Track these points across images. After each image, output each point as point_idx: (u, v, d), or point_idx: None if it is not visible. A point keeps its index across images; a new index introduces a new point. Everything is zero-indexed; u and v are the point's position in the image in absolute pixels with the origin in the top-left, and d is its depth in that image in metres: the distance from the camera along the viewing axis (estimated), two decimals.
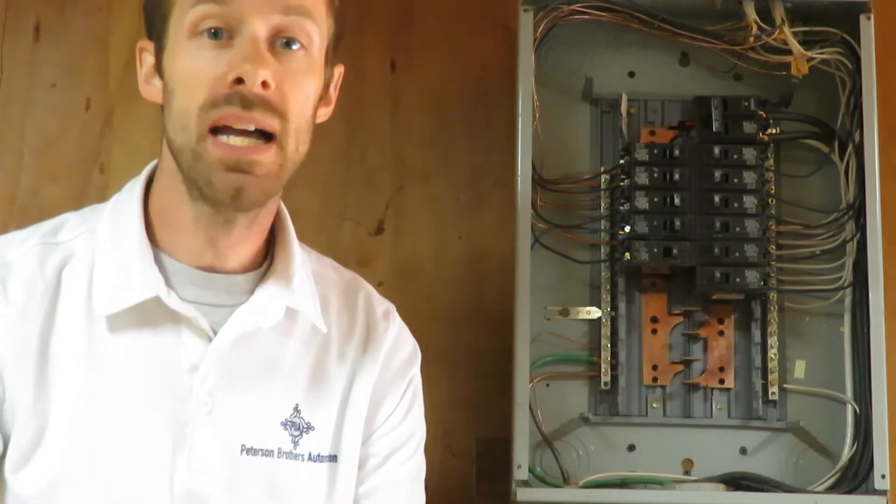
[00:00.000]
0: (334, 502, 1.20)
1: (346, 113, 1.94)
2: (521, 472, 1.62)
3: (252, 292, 1.16)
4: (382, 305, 1.29)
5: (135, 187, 1.18)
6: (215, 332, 1.13)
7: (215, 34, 1.07)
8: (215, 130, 1.07)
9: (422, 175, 1.99)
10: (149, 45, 1.15)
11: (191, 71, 1.07)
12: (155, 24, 1.13)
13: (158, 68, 1.13)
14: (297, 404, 1.18)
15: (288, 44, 1.09)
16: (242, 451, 1.14)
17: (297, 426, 1.17)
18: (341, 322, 1.24)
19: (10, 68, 1.99)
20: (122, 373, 1.11)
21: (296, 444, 1.17)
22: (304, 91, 1.10)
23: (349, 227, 1.97)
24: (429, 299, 1.94)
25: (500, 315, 1.82)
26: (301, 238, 1.25)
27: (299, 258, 1.21)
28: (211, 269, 1.15)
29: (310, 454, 1.18)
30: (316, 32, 1.11)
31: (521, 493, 1.62)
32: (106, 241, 1.14)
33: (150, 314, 1.12)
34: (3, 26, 2.00)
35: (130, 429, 1.10)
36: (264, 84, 1.06)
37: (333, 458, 1.20)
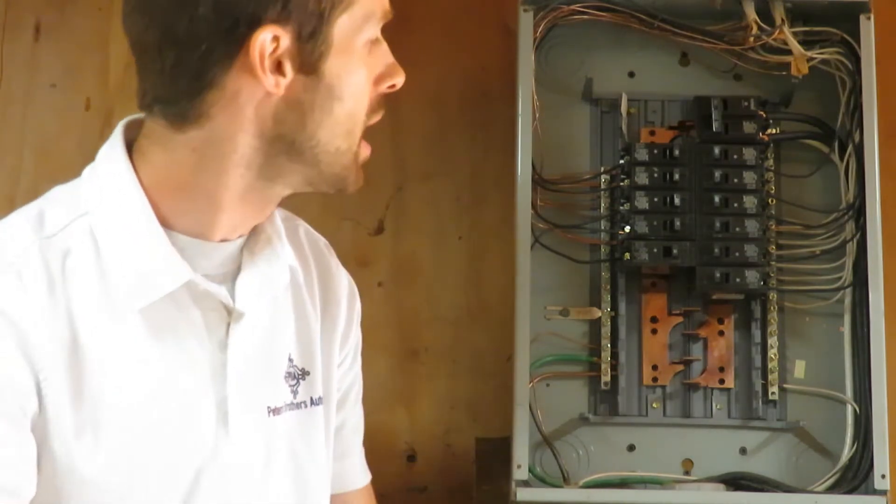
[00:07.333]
0: (329, 441, 1.21)
1: None
2: (521, 472, 1.62)
3: (242, 256, 1.13)
4: (319, 237, 1.28)
5: (117, 163, 1.09)
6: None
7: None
8: None
9: (422, 175, 1.99)
10: (280, 32, 1.01)
11: (365, 78, 1.07)
12: (303, 17, 1.01)
13: (307, 63, 1.03)
14: (289, 354, 1.17)
15: None
16: (269, 413, 1.14)
17: (293, 375, 1.17)
18: (299, 261, 1.21)
19: (10, 68, 1.99)
20: (156, 359, 1.08)
21: (295, 393, 1.17)
22: None
23: (349, 227, 1.97)
24: (429, 299, 1.94)
25: (500, 315, 1.82)
26: None
27: (277, 212, 1.18)
28: (224, 239, 1.11)
29: (311, 399, 1.18)
30: None
31: (521, 493, 1.62)
32: (109, 227, 1.08)
33: (174, 298, 1.08)
34: (3, 26, 2.00)
35: (177, 412, 1.08)
36: None
37: (322, 400, 1.20)
